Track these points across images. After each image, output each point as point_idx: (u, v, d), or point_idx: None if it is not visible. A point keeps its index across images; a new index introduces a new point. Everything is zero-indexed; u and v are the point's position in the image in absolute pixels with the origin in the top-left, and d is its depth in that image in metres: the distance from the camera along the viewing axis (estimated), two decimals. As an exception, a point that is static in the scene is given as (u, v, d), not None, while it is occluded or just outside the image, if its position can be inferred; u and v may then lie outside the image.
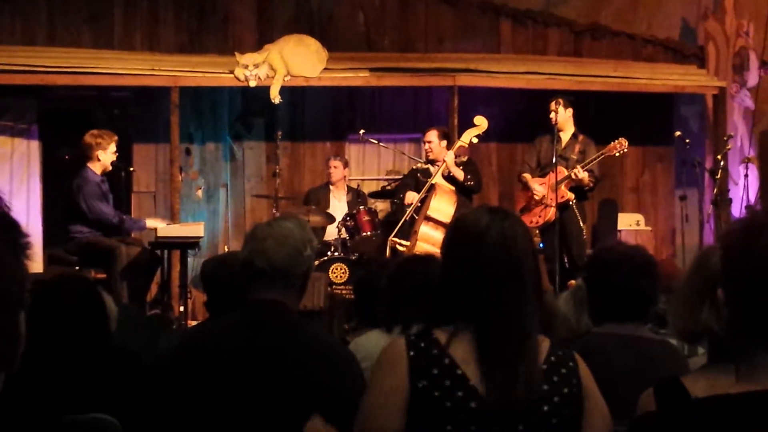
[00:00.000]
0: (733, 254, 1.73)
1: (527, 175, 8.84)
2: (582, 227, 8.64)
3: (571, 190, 8.56)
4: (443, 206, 8.32)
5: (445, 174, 8.67)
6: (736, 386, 1.73)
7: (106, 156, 8.27)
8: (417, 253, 7.47)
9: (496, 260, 2.34)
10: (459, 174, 8.68)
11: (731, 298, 1.73)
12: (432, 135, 8.97)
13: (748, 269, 1.69)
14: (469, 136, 8.76)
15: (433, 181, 8.60)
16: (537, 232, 8.85)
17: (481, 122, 8.83)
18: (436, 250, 8.03)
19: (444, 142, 8.90)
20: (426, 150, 9.03)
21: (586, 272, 3.41)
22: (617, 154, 8.73)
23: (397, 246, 8.46)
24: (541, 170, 8.74)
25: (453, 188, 8.58)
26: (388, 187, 9.92)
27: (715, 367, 2.35)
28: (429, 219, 8.31)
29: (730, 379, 1.94)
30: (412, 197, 8.81)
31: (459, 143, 8.78)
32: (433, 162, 8.91)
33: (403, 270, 3.65)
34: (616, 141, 8.56)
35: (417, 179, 8.99)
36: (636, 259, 3.20)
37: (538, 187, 8.65)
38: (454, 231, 2.48)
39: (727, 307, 1.75)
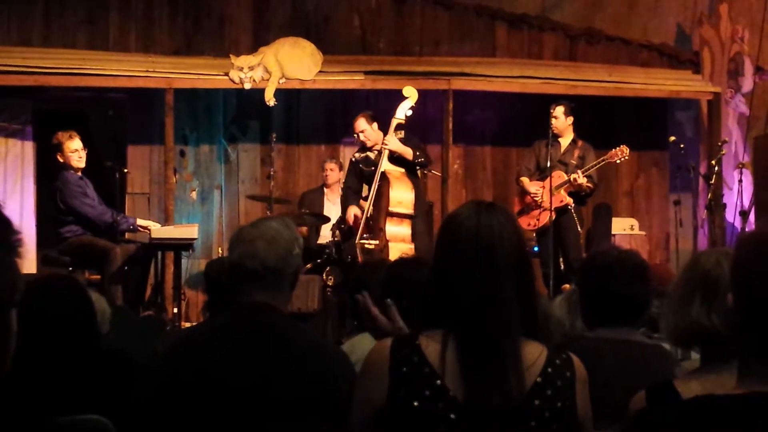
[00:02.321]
0: (745, 263, 1.75)
1: (525, 179, 8.82)
2: (579, 232, 8.64)
3: (569, 194, 8.57)
4: (401, 195, 8.13)
5: (390, 157, 8.32)
6: (733, 389, 1.74)
7: (65, 156, 8.12)
8: (404, 255, 7.36)
9: (468, 247, 2.25)
10: (408, 152, 8.31)
11: (739, 306, 1.75)
12: (362, 123, 8.53)
13: (759, 279, 1.71)
14: (403, 111, 8.42)
15: (381, 169, 8.26)
16: (534, 235, 8.87)
17: (411, 93, 8.49)
18: (409, 246, 8.01)
19: (375, 124, 8.52)
20: (362, 139, 8.61)
21: (579, 277, 3.40)
22: (618, 161, 8.73)
23: (366, 246, 8.26)
24: (541, 174, 8.73)
25: (402, 170, 8.30)
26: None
27: (708, 370, 2.35)
28: (392, 215, 8.12)
29: (722, 383, 1.95)
30: (356, 213, 8.54)
31: (396, 121, 8.39)
32: (371, 149, 8.56)
33: (393, 274, 3.64)
34: (618, 148, 8.55)
35: (361, 171, 8.64)
36: (629, 264, 3.19)
37: (534, 189, 8.62)
38: (440, 228, 2.41)
39: (733, 312, 1.76)
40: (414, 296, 3.30)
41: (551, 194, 8.38)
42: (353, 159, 8.82)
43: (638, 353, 3.09)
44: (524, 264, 2.30)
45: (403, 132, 8.47)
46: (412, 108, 8.46)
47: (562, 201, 8.50)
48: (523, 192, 8.84)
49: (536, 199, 8.59)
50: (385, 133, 8.44)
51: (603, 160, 8.58)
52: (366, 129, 8.54)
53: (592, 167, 8.54)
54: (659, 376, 2.72)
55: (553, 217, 8.43)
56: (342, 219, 8.95)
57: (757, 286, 1.72)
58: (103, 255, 7.91)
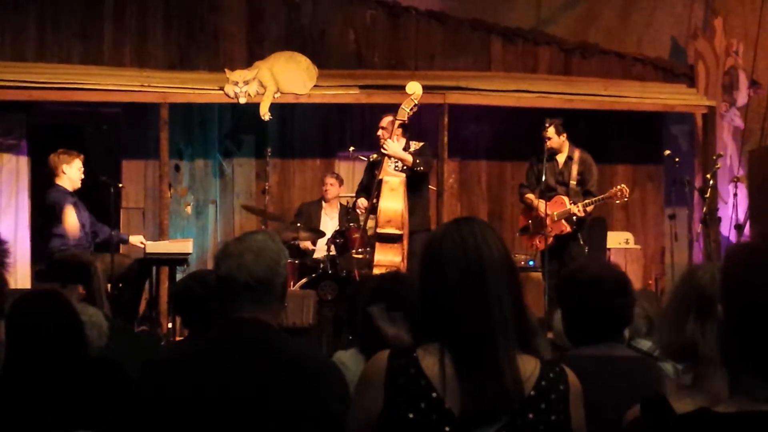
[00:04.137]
0: (734, 276, 1.74)
1: (531, 195, 8.74)
2: (582, 245, 8.62)
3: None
4: (390, 206, 7.88)
5: (399, 167, 8.10)
6: (724, 406, 1.73)
7: (71, 170, 8.05)
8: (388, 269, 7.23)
9: (455, 259, 2.27)
10: (407, 158, 8.06)
11: (728, 318, 1.74)
12: (386, 121, 8.31)
13: (748, 293, 1.69)
14: (405, 111, 8.09)
15: (381, 176, 8.03)
16: (537, 254, 8.85)
17: (414, 89, 8.09)
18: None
19: (400, 131, 8.22)
20: (378, 134, 8.38)
21: (559, 294, 3.36)
22: (617, 202, 8.73)
23: (360, 259, 8.17)
24: (541, 193, 8.63)
25: (401, 179, 8.00)
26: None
27: (701, 387, 2.34)
28: (381, 238, 7.92)
29: (715, 399, 1.93)
30: (363, 203, 8.38)
31: (398, 121, 8.12)
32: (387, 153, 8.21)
33: (377, 291, 3.62)
34: (617, 188, 8.48)
35: (374, 175, 8.36)
36: (609, 278, 3.16)
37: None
38: (423, 247, 2.42)
39: (723, 326, 1.75)
40: (399, 311, 3.31)
41: (545, 216, 8.32)
42: (370, 159, 8.65)
43: (625, 368, 3.07)
44: (511, 272, 2.31)
45: (421, 144, 8.27)
46: (416, 107, 8.13)
47: (563, 231, 8.50)
48: (529, 209, 8.76)
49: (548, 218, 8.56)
50: (407, 143, 8.25)
51: (602, 200, 8.53)
52: (387, 128, 8.27)
53: (591, 203, 8.50)
54: (648, 389, 2.71)
55: (552, 243, 8.39)
56: (338, 233, 8.92)
57: (748, 299, 1.70)
58: (84, 270, 7.85)
